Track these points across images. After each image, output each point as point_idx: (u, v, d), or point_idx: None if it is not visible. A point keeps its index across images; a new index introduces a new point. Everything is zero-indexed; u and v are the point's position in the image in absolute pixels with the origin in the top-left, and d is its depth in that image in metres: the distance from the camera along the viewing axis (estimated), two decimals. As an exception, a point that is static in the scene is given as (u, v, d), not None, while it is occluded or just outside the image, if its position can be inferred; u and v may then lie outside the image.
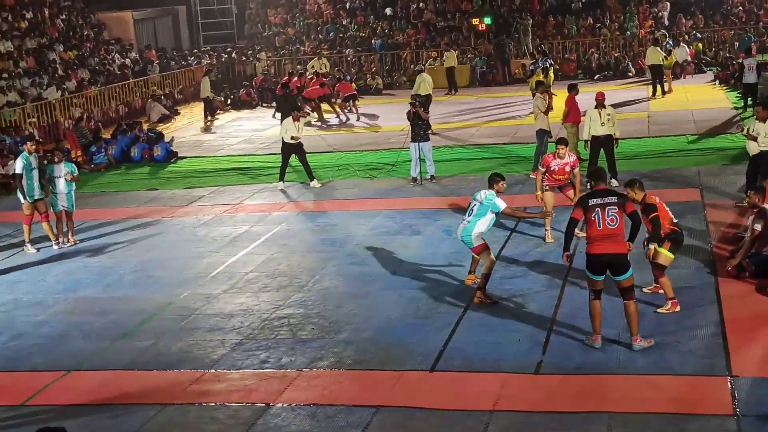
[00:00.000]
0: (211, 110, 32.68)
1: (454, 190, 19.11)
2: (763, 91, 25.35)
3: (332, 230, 16.82)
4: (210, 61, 41.04)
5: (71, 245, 16.85)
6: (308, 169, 20.47)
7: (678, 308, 11.48)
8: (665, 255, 11.50)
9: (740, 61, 28.26)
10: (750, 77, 25.92)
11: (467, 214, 12.48)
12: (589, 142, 18.38)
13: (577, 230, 14.30)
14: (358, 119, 30.51)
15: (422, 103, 20.38)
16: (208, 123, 31.89)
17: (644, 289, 12.07)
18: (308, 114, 29.26)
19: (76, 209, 17.17)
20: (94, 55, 36.84)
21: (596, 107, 18.34)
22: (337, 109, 31.19)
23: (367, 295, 13.08)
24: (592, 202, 10.48)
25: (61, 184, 16.78)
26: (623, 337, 10.73)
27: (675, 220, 11.81)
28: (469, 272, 13.11)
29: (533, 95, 26.88)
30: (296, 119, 20.41)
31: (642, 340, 10.45)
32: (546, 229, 14.97)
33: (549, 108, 20.00)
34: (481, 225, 12.25)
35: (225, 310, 12.84)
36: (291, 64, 40.21)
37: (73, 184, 16.96)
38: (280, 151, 20.91)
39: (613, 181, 17.87)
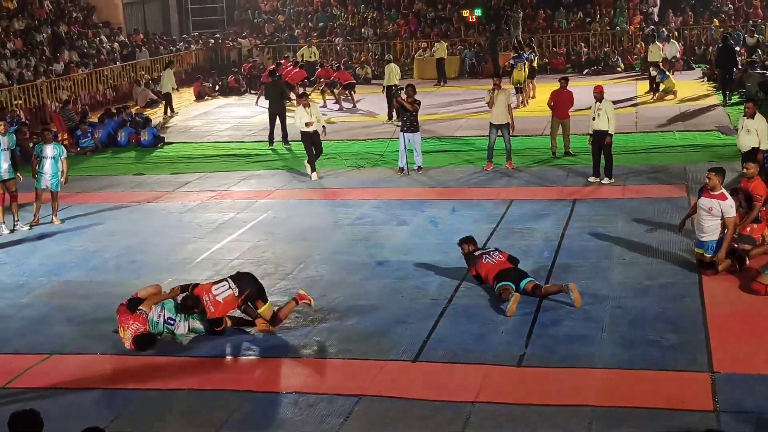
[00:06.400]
0: (170, 105, 30.83)
1: (441, 181, 19.10)
2: (750, 89, 25.58)
3: (318, 219, 16.79)
4: (197, 47, 40.89)
5: (56, 225, 16.92)
6: (313, 160, 19.93)
7: None
8: None
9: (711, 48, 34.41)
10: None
11: None
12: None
13: None
14: (354, 107, 30.64)
15: (398, 93, 20.19)
16: (167, 118, 30.03)
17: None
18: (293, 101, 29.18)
19: (61, 191, 17.11)
20: (82, 38, 36.64)
21: (595, 101, 18.14)
22: (334, 97, 31.29)
23: (351, 284, 13.06)
24: None
25: (47, 165, 16.78)
26: (606, 332, 10.78)
27: None
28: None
29: (516, 89, 26.97)
30: (306, 106, 19.91)
31: None
32: None
33: (492, 103, 19.59)
34: None
35: (209, 297, 12.77)
36: (275, 52, 40.17)
37: (60, 165, 16.91)
38: (300, 139, 20.47)
39: (605, 179, 17.79)
